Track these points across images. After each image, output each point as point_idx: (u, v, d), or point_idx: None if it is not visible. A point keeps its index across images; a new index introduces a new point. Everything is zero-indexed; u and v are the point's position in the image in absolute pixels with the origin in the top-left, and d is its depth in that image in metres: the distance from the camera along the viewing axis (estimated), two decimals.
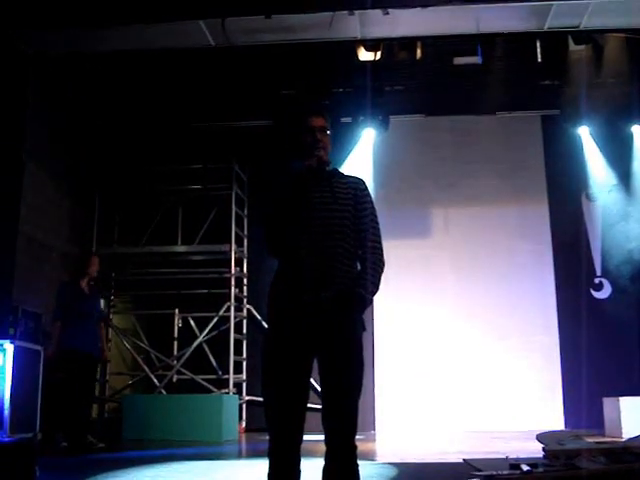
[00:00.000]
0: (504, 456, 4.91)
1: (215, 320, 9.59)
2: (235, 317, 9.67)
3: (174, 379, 9.73)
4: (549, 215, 10.20)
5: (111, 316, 10.31)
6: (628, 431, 7.14)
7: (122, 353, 10.34)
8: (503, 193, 10.35)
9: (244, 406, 9.67)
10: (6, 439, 5.97)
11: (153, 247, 10.03)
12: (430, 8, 7.34)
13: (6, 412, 6.14)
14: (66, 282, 7.31)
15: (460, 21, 7.79)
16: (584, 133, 10.15)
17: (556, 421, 9.37)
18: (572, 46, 8.69)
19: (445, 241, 10.32)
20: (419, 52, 8.73)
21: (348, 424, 2.60)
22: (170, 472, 5.25)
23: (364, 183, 2.86)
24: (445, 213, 10.51)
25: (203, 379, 9.51)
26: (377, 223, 2.81)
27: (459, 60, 8.69)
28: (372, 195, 2.85)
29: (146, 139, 10.41)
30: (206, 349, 9.76)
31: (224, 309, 9.57)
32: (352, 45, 8.49)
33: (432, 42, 8.66)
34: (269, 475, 2.60)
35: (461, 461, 5.37)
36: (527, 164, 10.40)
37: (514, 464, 4.32)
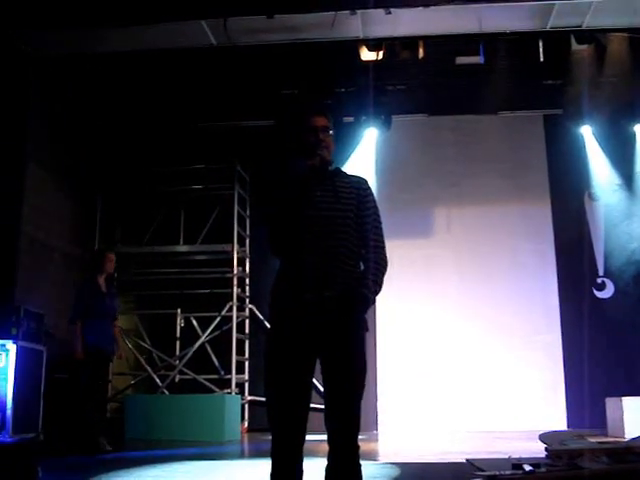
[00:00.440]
0: (506, 456, 4.91)
1: (217, 320, 9.59)
2: (237, 317, 9.67)
3: (176, 379, 9.75)
4: (552, 214, 10.18)
5: None
6: (631, 431, 7.14)
7: (124, 353, 10.33)
8: (506, 192, 10.34)
9: (246, 406, 9.66)
10: (8, 439, 5.98)
11: (155, 247, 10.04)
12: (432, 7, 7.34)
13: (8, 412, 6.15)
14: (85, 280, 7.05)
15: (462, 20, 7.79)
16: (587, 132, 10.16)
17: (558, 421, 9.36)
18: (574, 45, 8.65)
19: (448, 240, 10.31)
20: (421, 51, 8.70)
21: (351, 424, 2.60)
22: (172, 472, 5.25)
23: (367, 182, 2.85)
24: (448, 212, 10.51)
25: (205, 379, 9.52)
26: (380, 222, 2.81)
27: (461, 60, 8.68)
28: (375, 195, 2.85)
29: (148, 139, 10.41)
30: (208, 349, 9.76)
31: (226, 309, 9.57)
32: (354, 45, 8.48)
33: (434, 42, 8.63)
34: (272, 475, 2.59)
35: (464, 461, 5.37)
36: (530, 163, 10.40)
37: (516, 464, 4.32)
